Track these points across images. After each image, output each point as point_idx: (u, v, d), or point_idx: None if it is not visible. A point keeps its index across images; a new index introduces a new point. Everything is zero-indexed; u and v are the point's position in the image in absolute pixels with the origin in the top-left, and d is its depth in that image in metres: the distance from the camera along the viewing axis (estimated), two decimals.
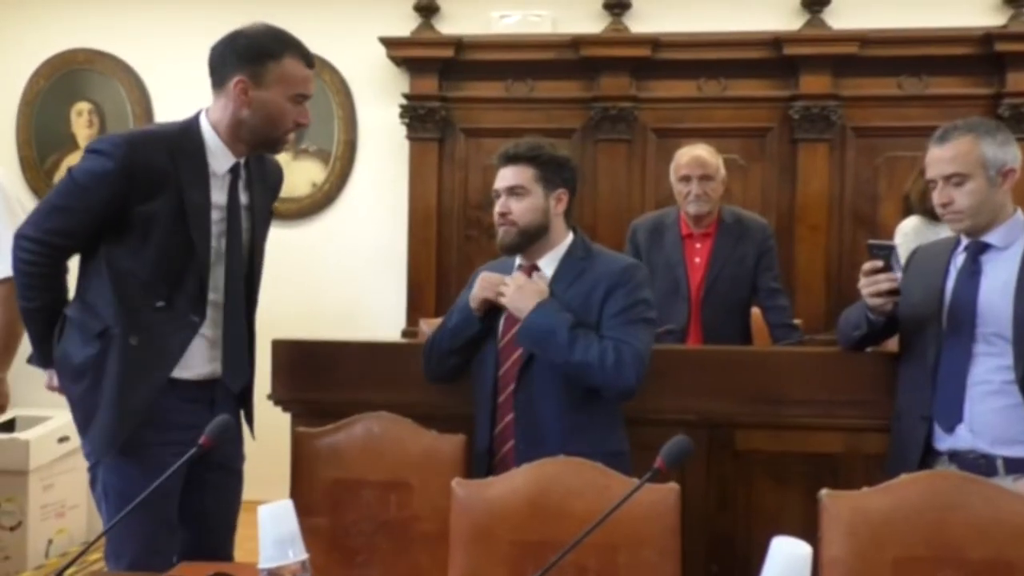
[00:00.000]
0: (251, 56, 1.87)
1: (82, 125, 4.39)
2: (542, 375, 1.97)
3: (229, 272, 1.95)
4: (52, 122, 4.39)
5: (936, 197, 2.03)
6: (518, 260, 2.10)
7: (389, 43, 4.05)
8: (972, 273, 2.03)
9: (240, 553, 2.14)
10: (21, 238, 1.90)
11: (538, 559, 1.37)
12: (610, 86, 3.99)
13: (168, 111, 4.33)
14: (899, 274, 2.04)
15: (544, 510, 1.64)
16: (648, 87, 4.01)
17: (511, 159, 2.04)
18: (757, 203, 3.89)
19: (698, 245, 3.06)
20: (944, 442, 1.99)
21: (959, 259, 2.08)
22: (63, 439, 3.76)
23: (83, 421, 1.91)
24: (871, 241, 2.07)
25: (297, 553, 1.18)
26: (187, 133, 1.92)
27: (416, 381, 2.18)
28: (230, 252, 1.94)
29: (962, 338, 1.98)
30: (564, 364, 1.92)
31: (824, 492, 1.60)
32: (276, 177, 2.15)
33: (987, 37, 3.73)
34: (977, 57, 3.78)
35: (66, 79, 4.39)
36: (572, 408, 1.97)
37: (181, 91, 4.29)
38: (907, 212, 3.05)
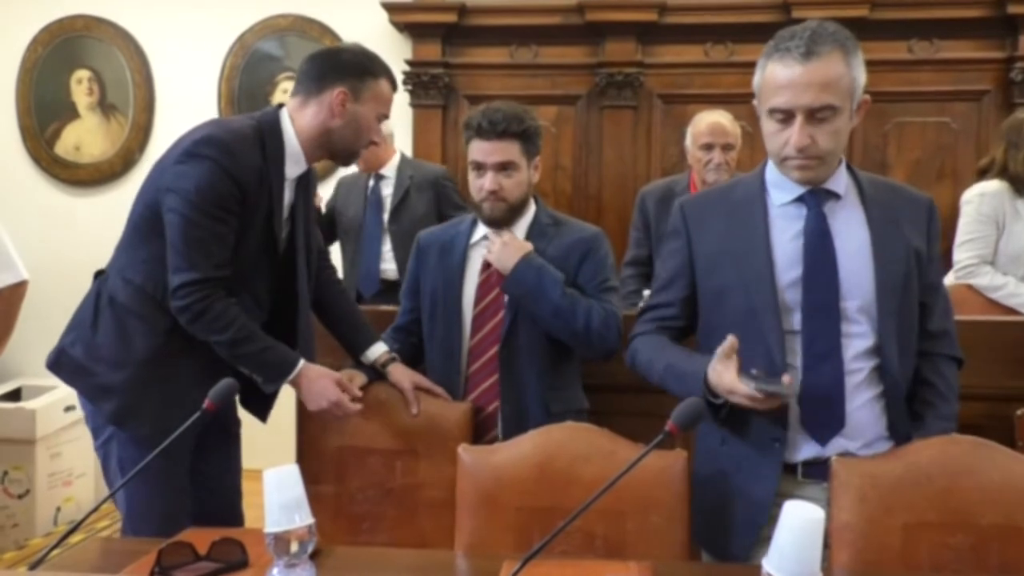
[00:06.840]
0: (355, 72, 1.92)
1: (82, 93, 4.34)
2: (528, 336, 2.00)
3: (301, 269, 1.98)
4: (52, 90, 4.35)
5: (793, 137, 1.49)
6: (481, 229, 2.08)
7: (391, 8, 3.99)
8: (823, 233, 1.55)
9: (247, 520, 2.14)
10: (188, 286, 1.77)
11: (545, 525, 1.36)
12: (616, 51, 3.92)
13: (168, 78, 4.30)
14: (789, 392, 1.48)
15: (551, 476, 1.63)
16: (654, 52, 3.95)
17: (500, 135, 1.98)
18: None
19: None
20: (801, 452, 1.59)
21: (785, 212, 1.60)
22: (69, 408, 3.76)
23: (120, 408, 1.86)
24: (759, 386, 1.44)
25: (303, 518, 1.17)
26: (272, 133, 1.90)
27: None
28: (297, 252, 1.97)
29: (828, 320, 1.54)
30: (553, 314, 1.94)
31: (833, 458, 1.58)
32: (315, 181, 2.16)
33: None
34: (989, 19, 3.71)
35: (65, 46, 4.33)
36: (552, 368, 2.02)
37: (181, 58, 4.27)
38: (983, 178, 2.73)
